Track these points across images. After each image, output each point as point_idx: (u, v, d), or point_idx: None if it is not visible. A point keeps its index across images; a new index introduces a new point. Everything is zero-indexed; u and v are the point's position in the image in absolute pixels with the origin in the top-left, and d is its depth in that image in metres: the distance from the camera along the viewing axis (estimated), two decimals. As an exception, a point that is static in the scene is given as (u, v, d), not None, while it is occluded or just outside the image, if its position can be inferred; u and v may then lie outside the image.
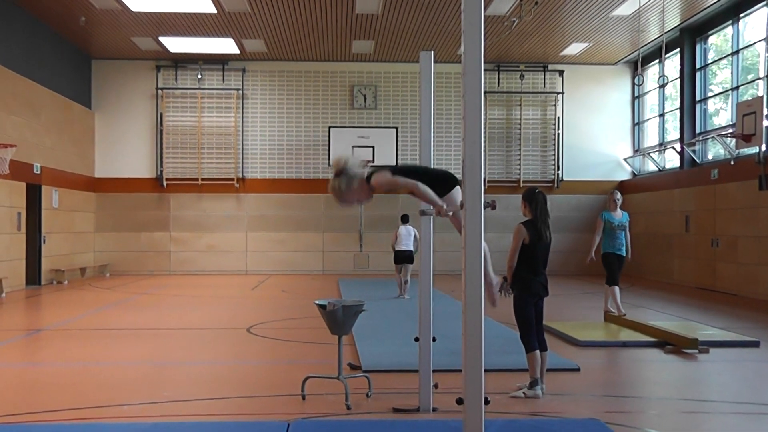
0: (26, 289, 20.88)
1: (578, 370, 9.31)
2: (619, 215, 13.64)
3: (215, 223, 26.85)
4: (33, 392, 8.56)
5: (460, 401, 4.95)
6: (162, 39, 24.07)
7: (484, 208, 4.95)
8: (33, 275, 21.90)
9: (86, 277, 24.99)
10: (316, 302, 7.78)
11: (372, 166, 6.46)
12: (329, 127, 26.21)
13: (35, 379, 9.35)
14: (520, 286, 8.13)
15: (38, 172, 21.93)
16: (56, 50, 23.88)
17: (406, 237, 17.37)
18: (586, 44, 24.62)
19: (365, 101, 26.99)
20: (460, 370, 5.05)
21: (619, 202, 13.66)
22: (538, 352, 8.03)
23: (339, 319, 7.59)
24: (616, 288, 13.95)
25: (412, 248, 17.24)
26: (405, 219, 17.76)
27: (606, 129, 27.65)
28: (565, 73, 27.31)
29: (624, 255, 13.75)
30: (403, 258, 17.39)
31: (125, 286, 21.88)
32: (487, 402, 4.94)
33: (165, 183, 26.69)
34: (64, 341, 12.19)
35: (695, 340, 10.82)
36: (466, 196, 4.89)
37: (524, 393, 7.93)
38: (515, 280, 8.13)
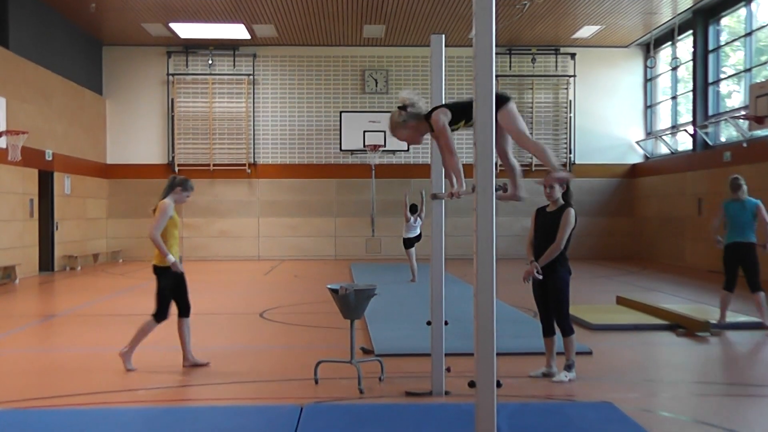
0: (39, 276, 20.98)
1: (590, 353, 9.30)
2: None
3: (227, 208, 26.89)
4: (47, 377, 8.61)
5: (472, 384, 4.97)
6: (172, 25, 24.06)
7: (496, 191, 4.96)
8: (46, 261, 21.98)
9: (99, 263, 25.07)
10: (329, 286, 7.79)
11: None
12: (341, 112, 26.18)
13: (49, 365, 9.40)
14: (567, 268, 8.10)
15: (50, 159, 21.98)
16: (67, 37, 23.91)
17: (413, 227, 17.52)
18: (598, 27, 24.50)
19: (377, 85, 26.96)
20: (472, 354, 5.06)
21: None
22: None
23: (351, 303, 7.60)
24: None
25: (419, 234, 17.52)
26: (414, 209, 17.71)
27: (618, 112, 27.53)
28: (577, 56, 27.19)
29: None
30: (411, 244, 17.55)
31: (138, 272, 21.95)
32: (499, 385, 4.95)
33: (177, 169, 26.70)
34: (77, 326, 12.26)
35: (707, 323, 10.81)
36: (478, 180, 4.89)
37: (570, 378, 7.90)
38: (561, 263, 8.06)
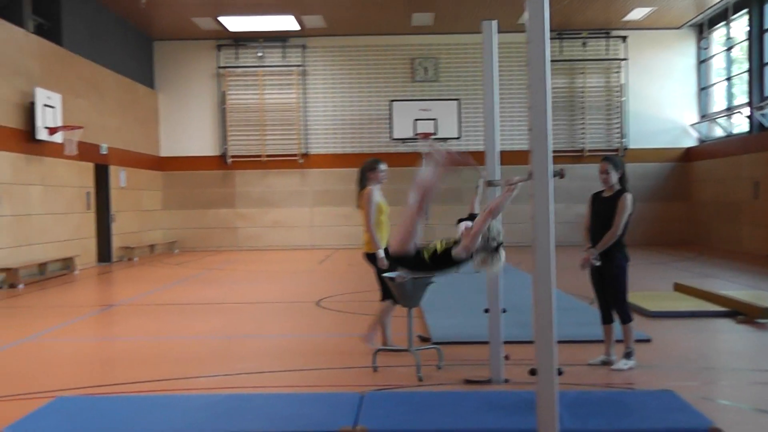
0: (98, 266, 21.31)
1: (649, 341, 9.23)
2: None
3: (280, 198, 27.05)
4: (109, 365, 8.77)
5: (533, 372, 4.96)
6: (221, 18, 24.20)
7: (553, 176, 4.94)
8: (104, 253, 22.33)
9: (155, 253, 25.38)
10: (386, 275, 7.82)
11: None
12: (391, 101, 26.18)
13: (110, 353, 9.58)
14: (624, 255, 8.01)
15: (105, 153, 22.29)
16: (119, 33, 24.20)
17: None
18: (649, 8, 24.18)
19: (426, 73, 26.90)
20: (530, 342, 5.07)
21: None
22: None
23: (408, 291, 7.63)
24: None
25: None
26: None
27: (671, 95, 27.15)
28: (628, 39, 26.86)
29: None
30: None
31: (194, 262, 22.20)
32: (560, 373, 4.95)
33: (229, 160, 26.94)
34: (136, 316, 12.45)
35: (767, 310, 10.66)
36: (534, 166, 4.88)
37: (630, 366, 7.85)
38: (619, 249, 7.97)
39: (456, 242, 6.03)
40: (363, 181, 8.88)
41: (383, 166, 8.92)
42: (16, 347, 9.91)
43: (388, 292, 8.56)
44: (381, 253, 8.59)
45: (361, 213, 8.85)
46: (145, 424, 5.88)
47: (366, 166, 8.89)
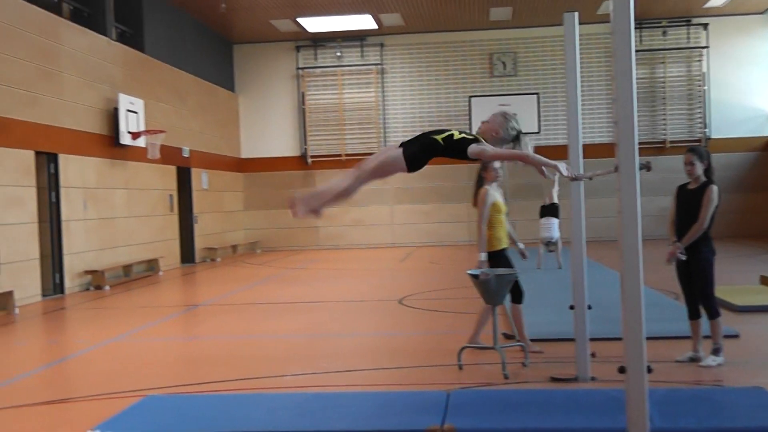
0: (181, 267, 21.66)
1: (737, 336, 8.98)
2: None
3: (361, 197, 27.12)
4: (195, 365, 8.89)
5: (622, 370, 4.87)
6: (300, 20, 24.38)
7: (639, 169, 4.84)
8: (187, 254, 22.71)
9: (238, 254, 25.70)
10: (469, 272, 7.79)
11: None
12: (469, 97, 26.09)
13: (196, 352, 9.71)
14: (711, 248, 7.80)
15: (187, 156, 22.65)
16: (199, 38, 24.57)
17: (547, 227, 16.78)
18: (732, -6, 23.67)
19: (505, 68, 26.72)
20: (616, 339, 4.98)
21: None
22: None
23: (492, 288, 7.57)
24: None
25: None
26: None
27: (754, 82, 26.46)
28: (709, 27, 26.27)
29: None
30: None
31: (276, 262, 22.40)
32: (649, 371, 4.85)
33: (310, 160, 27.14)
34: (220, 316, 12.62)
35: None
36: (620, 159, 4.79)
37: (718, 363, 7.68)
38: (705, 242, 7.76)
39: (475, 139, 5.84)
40: (480, 181, 8.79)
41: (497, 164, 8.74)
42: (105, 347, 10.11)
43: (512, 293, 8.55)
44: (482, 256, 8.48)
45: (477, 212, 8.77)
46: (233, 422, 5.94)
47: (480, 166, 8.80)
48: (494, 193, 8.64)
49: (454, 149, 5.73)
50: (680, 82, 26.66)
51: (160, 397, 6.95)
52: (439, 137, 5.73)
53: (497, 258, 8.55)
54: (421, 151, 5.74)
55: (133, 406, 6.53)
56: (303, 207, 5.79)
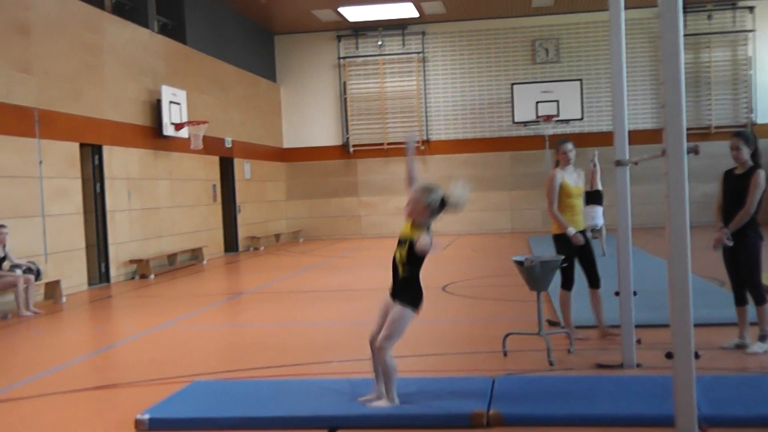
0: (225, 256, 21.83)
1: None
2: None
3: (402, 186, 27.09)
4: (241, 351, 8.96)
5: (669, 355, 4.84)
6: (341, 9, 24.41)
7: (687, 153, 4.79)
8: (230, 243, 22.88)
9: (280, 242, 25.83)
10: (514, 258, 7.76)
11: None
12: (512, 84, 25.95)
13: (242, 339, 9.78)
14: (758, 233, 7.66)
15: (230, 146, 22.80)
16: (240, 29, 24.71)
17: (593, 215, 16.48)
18: (779, -22, 23.31)
19: (547, 55, 26.54)
20: (661, 326, 4.94)
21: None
22: None
23: (537, 275, 7.54)
24: None
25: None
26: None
27: (803, 66, 26.09)
28: (755, 10, 25.85)
29: None
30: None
31: (319, 250, 22.48)
32: (697, 357, 4.81)
33: (351, 149, 27.19)
34: (265, 303, 12.70)
35: None
36: (668, 142, 4.75)
37: (765, 350, 7.58)
38: (752, 228, 7.62)
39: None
40: (556, 162, 8.73)
41: (568, 146, 8.62)
42: (151, 334, 10.22)
43: (565, 279, 8.50)
44: (571, 231, 8.41)
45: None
46: (279, 407, 5.98)
47: (554, 148, 8.73)
48: (563, 177, 8.52)
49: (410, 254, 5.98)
50: (725, 66, 26.29)
51: (206, 383, 7.01)
52: (399, 256, 6.12)
53: (562, 241, 8.50)
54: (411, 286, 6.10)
55: (181, 391, 6.60)
56: None
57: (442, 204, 6.13)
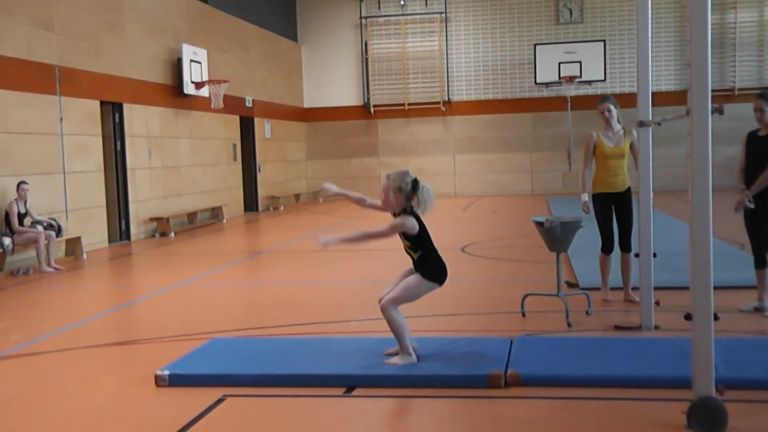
0: (245, 215, 21.91)
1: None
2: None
3: (423, 147, 27.07)
4: (261, 309, 9.01)
5: (688, 317, 4.82)
6: (364, -33, 24.24)
7: (712, 113, 4.73)
8: (250, 202, 22.95)
9: (300, 202, 25.87)
10: (534, 219, 7.73)
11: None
12: (534, 45, 25.74)
13: (260, 297, 9.83)
14: None
15: (250, 105, 22.78)
16: (262, -13, 24.61)
17: None
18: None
19: (571, 15, 26.29)
20: (680, 288, 4.91)
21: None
22: None
23: (557, 235, 7.51)
24: None
25: None
26: None
27: (832, 27, 25.74)
28: (784, -30, 25.57)
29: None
30: None
31: (339, 210, 22.49)
32: (716, 318, 4.78)
33: (372, 110, 27.12)
34: (284, 262, 12.76)
35: None
36: (693, 102, 4.69)
37: None
38: None
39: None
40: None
41: (604, 105, 8.40)
42: (171, 291, 10.29)
43: (603, 241, 8.46)
44: (584, 197, 8.45)
45: None
46: (299, 365, 6.01)
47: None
48: (598, 137, 8.38)
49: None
50: (751, 27, 25.95)
51: (226, 340, 7.06)
52: (404, 245, 6.53)
53: (597, 201, 8.46)
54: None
55: (201, 347, 6.64)
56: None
57: (415, 185, 6.41)
